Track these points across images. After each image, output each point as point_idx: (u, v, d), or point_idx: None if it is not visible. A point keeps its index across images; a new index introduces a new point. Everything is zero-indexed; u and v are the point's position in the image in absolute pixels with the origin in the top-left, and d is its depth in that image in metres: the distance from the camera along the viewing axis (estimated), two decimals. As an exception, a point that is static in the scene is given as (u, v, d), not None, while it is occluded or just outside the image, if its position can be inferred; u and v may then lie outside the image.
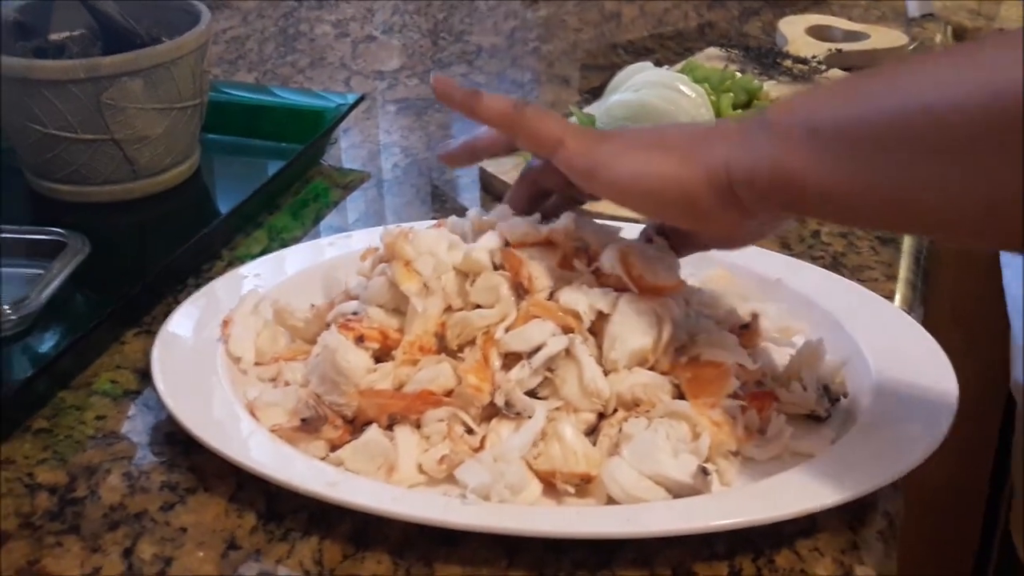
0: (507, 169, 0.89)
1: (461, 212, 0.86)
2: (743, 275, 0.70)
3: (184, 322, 0.67)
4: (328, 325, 0.64)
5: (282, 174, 0.87)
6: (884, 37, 1.12)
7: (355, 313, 0.64)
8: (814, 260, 0.78)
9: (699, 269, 0.68)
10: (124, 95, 0.79)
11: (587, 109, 0.94)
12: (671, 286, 0.60)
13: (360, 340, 0.61)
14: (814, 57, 1.04)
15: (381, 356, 0.62)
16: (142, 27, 0.86)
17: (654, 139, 0.58)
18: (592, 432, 0.58)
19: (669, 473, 0.54)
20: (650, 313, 0.58)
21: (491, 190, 0.89)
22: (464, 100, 0.62)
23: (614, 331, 0.58)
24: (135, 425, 0.64)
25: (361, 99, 0.96)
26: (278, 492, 0.57)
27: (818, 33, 1.13)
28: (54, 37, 0.87)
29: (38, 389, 0.65)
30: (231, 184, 0.90)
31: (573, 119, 0.93)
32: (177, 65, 0.81)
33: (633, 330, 0.58)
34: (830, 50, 1.07)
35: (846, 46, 1.09)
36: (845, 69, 1.04)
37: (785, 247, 0.80)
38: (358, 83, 1.09)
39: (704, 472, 0.54)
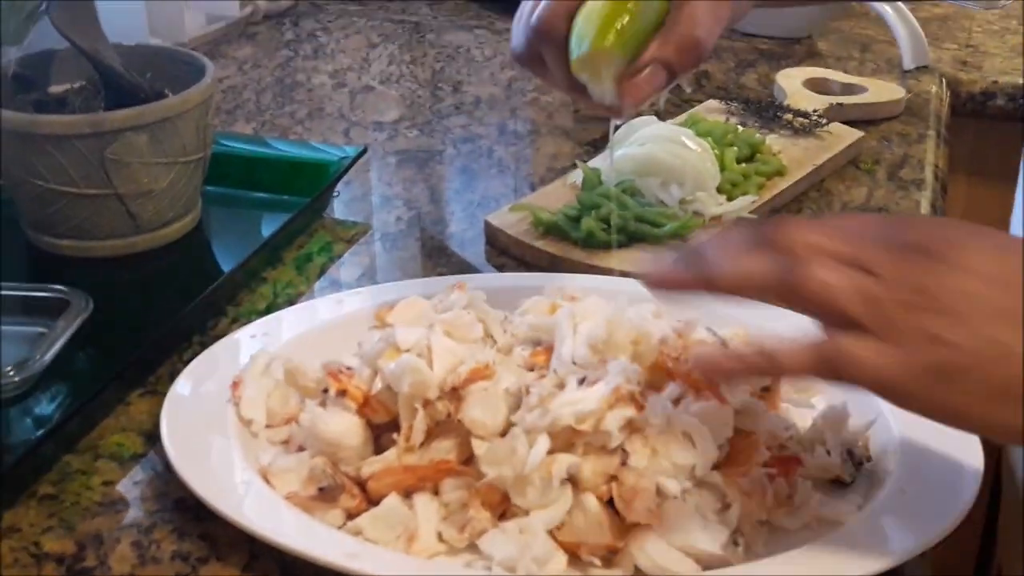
0: (512, 223, 0.88)
1: (465, 267, 0.86)
2: (761, 335, 0.69)
3: (192, 384, 0.66)
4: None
5: (286, 228, 0.85)
6: (881, 90, 1.13)
7: (349, 368, 0.63)
8: (826, 318, 0.77)
9: (717, 328, 0.67)
10: (128, 150, 0.78)
11: (591, 163, 0.94)
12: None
13: (342, 394, 0.60)
14: (815, 111, 1.05)
15: (369, 420, 0.61)
16: (144, 80, 0.85)
17: (1018, 383, 0.46)
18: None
19: (699, 544, 0.53)
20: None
21: (495, 244, 0.89)
22: (759, 367, 0.51)
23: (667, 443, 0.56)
24: (143, 490, 0.62)
25: (364, 152, 0.96)
26: (294, 562, 0.56)
27: (815, 86, 1.13)
28: (55, 89, 0.86)
29: (43, 453, 0.63)
30: (233, 238, 0.89)
31: (579, 173, 0.92)
32: (182, 119, 0.80)
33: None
34: (831, 104, 1.07)
35: (846, 99, 1.09)
36: (845, 122, 1.04)
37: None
38: (357, 134, 1.09)
39: (735, 543, 0.53)
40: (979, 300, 0.47)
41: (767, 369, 0.51)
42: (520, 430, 0.56)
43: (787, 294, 0.49)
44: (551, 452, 0.55)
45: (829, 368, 0.48)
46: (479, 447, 0.56)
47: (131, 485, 0.63)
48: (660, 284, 0.53)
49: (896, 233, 0.50)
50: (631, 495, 0.54)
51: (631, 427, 0.56)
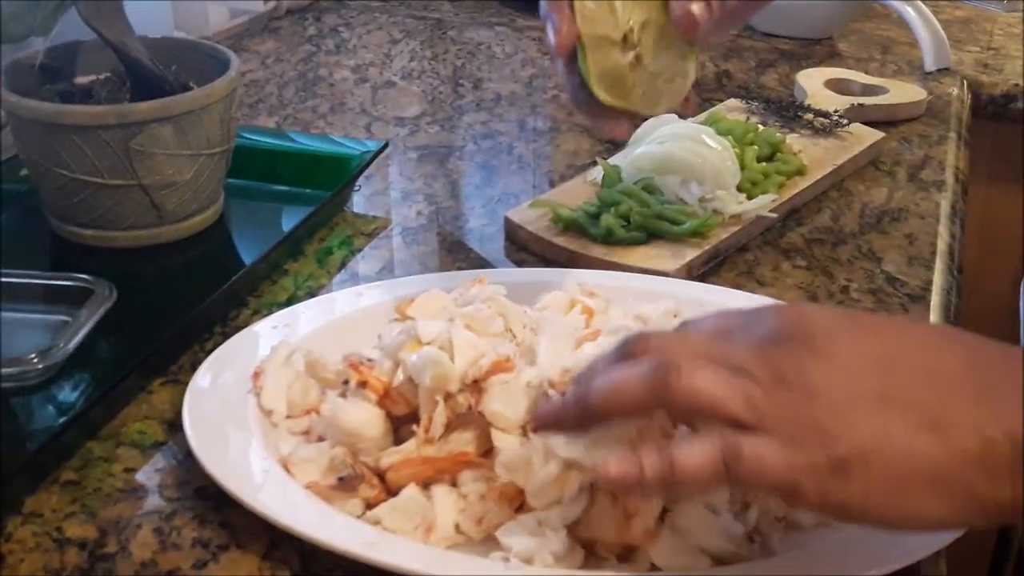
0: (532, 219, 0.88)
1: (484, 262, 0.87)
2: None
3: (213, 374, 0.67)
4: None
5: (307, 221, 0.86)
6: (902, 91, 1.13)
7: (370, 359, 0.63)
8: (844, 317, 0.77)
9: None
10: (153, 141, 0.79)
11: (611, 160, 0.94)
12: None
13: (363, 385, 0.60)
14: (836, 111, 1.05)
15: (389, 412, 0.61)
16: (170, 72, 0.85)
17: (913, 468, 0.45)
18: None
19: (715, 541, 0.53)
20: None
21: (515, 239, 0.89)
22: (659, 482, 0.47)
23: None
24: (164, 478, 0.63)
25: (385, 146, 0.96)
26: (313, 551, 0.56)
27: (836, 86, 1.13)
28: (81, 81, 0.87)
29: (66, 440, 0.64)
30: (255, 230, 0.89)
31: (599, 170, 0.93)
32: (207, 111, 0.81)
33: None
34: (852, 104, 1.07)
35: (867, 100, 1.09)
36: (866, 123, 1.04)
37: (814, 302, 0.80)
38: (379, 129, 1.09)
39: (751, 540, 0.53)
40: (859, 389, 0.46)
41: (667, 481, 0.47)
42: (540, 443, 0.56)
43: (664, 400, 0.48)
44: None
45: (729, 472, 0.46)
46: (499, 439, 0.57)
47: (152, 472, 0.63)
48: (545, 426, 0.53)
49: (759, 326, 0.49)
50: (633, 511, 0.54)
51: None
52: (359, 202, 0.95)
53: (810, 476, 0.45)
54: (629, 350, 0.50)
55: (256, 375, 0.65)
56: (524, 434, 0.58)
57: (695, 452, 0.46)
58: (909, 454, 0.45)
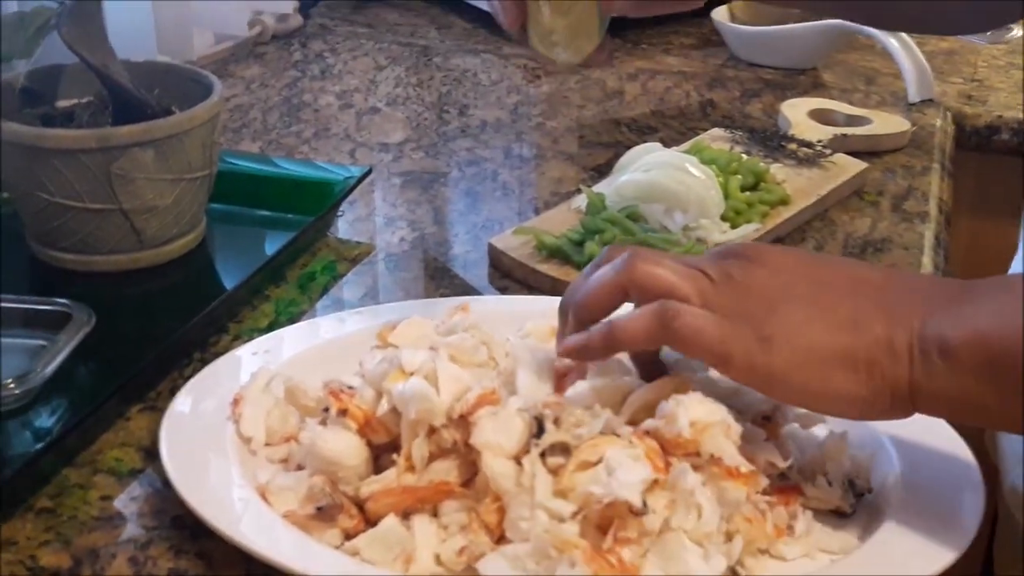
0: (515, 246, 0.88)
1: (468, 289, 0.86)
2: None
3: (192, 400, 0.66)
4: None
5: (289, 247, 0.86)
6: (886, 122, 1.13)
7: (351, 387, 0.62)
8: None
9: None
10: (135, 165, 0.78)
11: (596, 188, 0.94)
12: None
13: (343, 413, 0.60)
14: (819, 141, 1.05)
15: (369, 440, 0.60)
16: (152, 96, 0.85)
17: (830, 350, 0.55)
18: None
19: (698, 573, 0.52)
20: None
21: (499, 266, 0.89)
22: (603, 344, 0.58)
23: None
24: (140, 506, 0.62)
25: (369, 172, 0.96)
26: (291, 582, 0.55)
27: (820, 117, 1.13)
28: (62, 104, 0.86)
29: (42, 467, 0.63)
30: (236, 255, 0.89)
31: (583, 197, 0.93)
32: (189, 136, 0.80)
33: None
34: (835, 135, 1.08)
35: (850, 131, 1.10)
36: (850, 154, 1.05)
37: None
38: (363, 155, 1.09)
39: (734, 573, 0.52)
40: (791, 291, 0.56)
41: (612, 343, 0.57)
42: (542, 502, 0.55)
43: (662, 341, 0.57)
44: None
45: (664, 328, 0.55)
46: (489, 465, 0.56)
47: (129, 500, 0.62)
48: (577, 355, 0.60)
49: (723, 250, 0.60)
50: (621, 541, 0.53)
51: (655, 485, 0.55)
52: (343, 228, 0.95)
53: (739, 344, 0.55)
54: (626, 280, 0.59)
55: (235, 402, 0.65)
56: (517, 462, 0.57)
57: (634, 317, 0.57)
58: (828, 340, 0.55)
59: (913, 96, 1.23)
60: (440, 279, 0.88)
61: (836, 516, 0.59)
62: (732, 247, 0.60)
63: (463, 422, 0.57)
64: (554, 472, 0.57)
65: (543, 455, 0.57)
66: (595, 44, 0.74)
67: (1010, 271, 0.87)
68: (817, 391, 0.55)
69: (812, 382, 0.54)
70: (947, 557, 0.55)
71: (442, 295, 0.84)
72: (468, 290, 0.86)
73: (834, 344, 0.55)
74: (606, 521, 0.54)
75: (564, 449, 0.58)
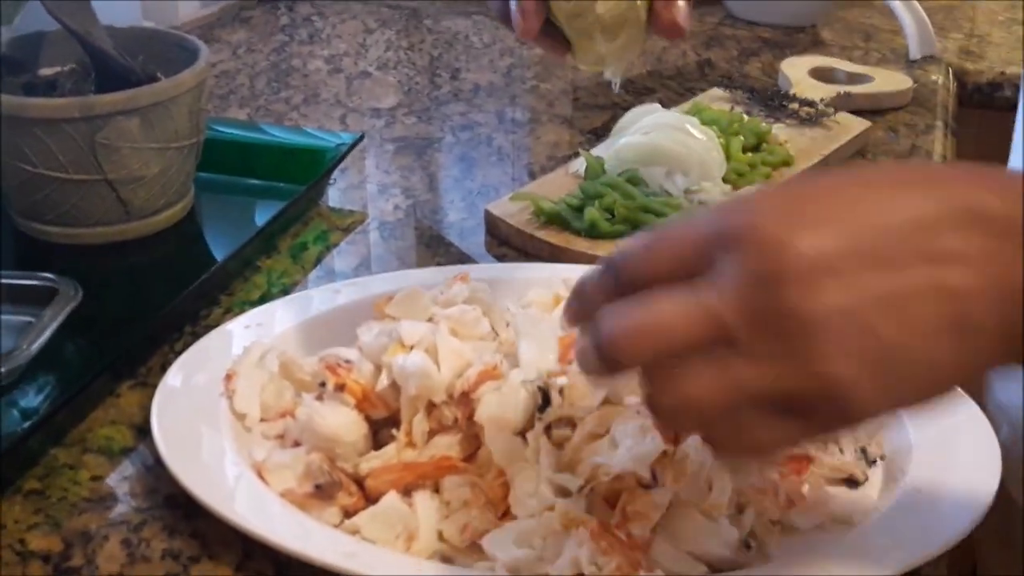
0: (512, 212, 0.86)
1: (465, 257, 0.84)
2: None
3: (184, 376, 0.64)
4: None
5: (281, 216, 0.83)
6: (888, 80, 1.11)
7: (348, 361, 0.60)
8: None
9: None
10: (119, 134, 0.76)
11: (593, 151, 0.92)
12: None
13: (340, 388, 0.58)
14: (821, 100, 1.03)
15: (368, 415, 0.59)
16: (137, 63, 0.82)
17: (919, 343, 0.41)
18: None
19: (709, 548, 0.51)
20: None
21: (495, 233, 0.86)
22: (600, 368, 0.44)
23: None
24: (133, 486, 0.60)
25: (361, 138, 0.93)
26: (289, 562, 0.54)
27: (821, 75, 1.11)
28: (44, 72, 0.84)
29: (30, 447, 0.61)
30: (227, 226, 0.87)
31: (581, 161, 0.90)
32: (175, 103, 0.78)
33: None
34: (838, 93, 1.05)
35: (852, 89, 1.08)
36: (852, 112, 1.02)
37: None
38: (354, 120, 1.06)
39: (747, 546, 0.51)
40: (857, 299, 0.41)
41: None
42: (547, 476, 0.54)
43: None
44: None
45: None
46: (492, 440, 0.54)
47: (120, 480, 0.61)
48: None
49: (726, 268, 0.42)
50: (631, 516, 0.51)
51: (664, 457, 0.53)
52: (335, 196, 0.92)
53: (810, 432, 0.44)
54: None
55: (228, 377, 0.63)
56: (521, 436, 0.55)
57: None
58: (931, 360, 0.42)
59: (914, 53, 1.21)
60: (436, 248, 0.86)
61: (850, 485, 0.58)
62: (751, 271, 0.41)
63: (465, 399, 0.55)
64: (559, 445, 0.55)
65: (548, 429, 0.55)
66: (638, 52, 0.69)
67: None
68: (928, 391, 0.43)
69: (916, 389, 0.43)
70: (964, 523, 0.53)
71: (438, 264, 0.82)
72: (464, 258, 0.84)
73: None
74: (614, 495, 0.53)
75: (570, 422, 0.56)
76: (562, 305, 0.64)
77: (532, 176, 0.95)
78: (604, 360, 0.43)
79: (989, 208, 0.42)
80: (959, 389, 0.44)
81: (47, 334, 0.66)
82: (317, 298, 0.73)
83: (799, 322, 0.40)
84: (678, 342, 0.42)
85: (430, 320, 0.61)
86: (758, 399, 0.41)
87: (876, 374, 0.41)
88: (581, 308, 0.46)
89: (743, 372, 0.41)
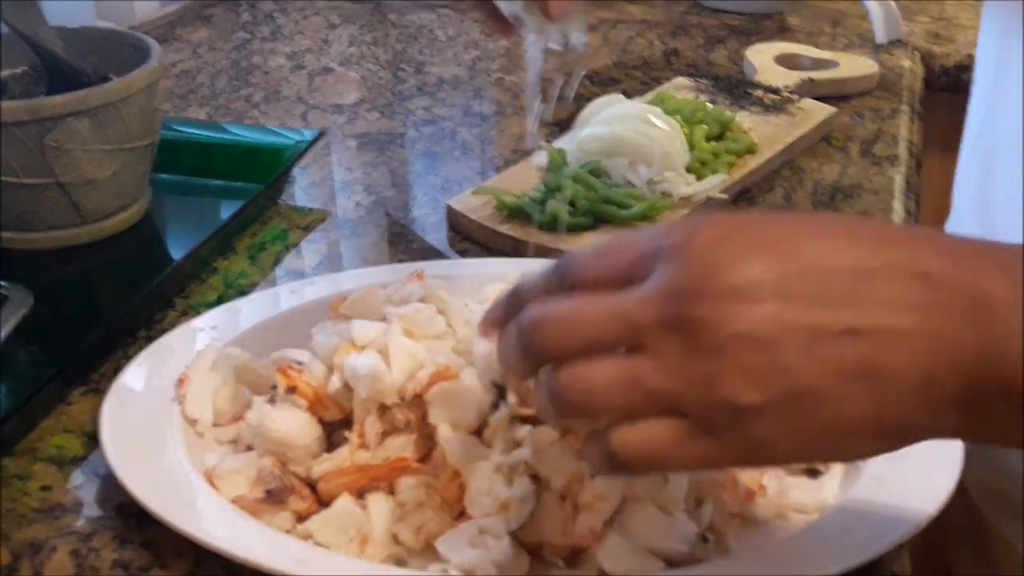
0: (475, 207, 0.85)
1: (428, 253, 0.83)
2: None
3: (135, 380, 0.63)
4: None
5: (238, 216, 0.82)
6: (853, 65, 1.10)
7: (299, 362, 0.59)
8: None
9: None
10: (70, 137, 0.75)
11: (556, 143, 0.91)
12: None
13: (292, 391, 0.57)
14: (786, 87, 1.02)
15: (321, 418, 0.58)
16: (88, 64, 0.81)
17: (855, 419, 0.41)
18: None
19: (666, 542, 0.50)
20: None
21: (458, 229, 0.85)
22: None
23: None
24: (83, 495, 0.59)
25: (321, 135, 0.92)
26: (241, 569, 0.52)
27: (786, 62, 1.11)
28: (-6, 75, 0.82)
29: (-23, 458, 0.60)
30: (183, 227, 0.86)
31: (544, 154, 0.89)
32: (126, 104, 0.76)
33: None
34: (802, 79, 1.05)
35: (817, 75, 1.07)
36: (817, 98, 1.02)
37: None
38: (315, 117, 1.05)
39: (704, 540, 0.50)
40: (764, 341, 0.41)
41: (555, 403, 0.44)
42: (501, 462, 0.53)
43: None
44: None
45: (604, 459, 0.43)
46: (446, 439, 0.53)
47: (71, 490, 0.59)
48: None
49: (660, 276, 0.42)
50: (582, 506, 0.51)
51: None
52: (296, 194, 0.91)
53: (725, 459, 0.43)
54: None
55: (180, 381, 0.62)
56: (477, 433, 0.55)
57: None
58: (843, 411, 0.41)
59: (880, 37, 1.20)
60: (398, 244, 0.85)
61: (810, 475, 0.57)
62: (679, 285, 0.41)
63: (417, 400, 0.54)
64: (516, 444, 0.54)
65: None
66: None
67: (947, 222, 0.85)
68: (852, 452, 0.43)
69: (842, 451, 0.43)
70: (925, 514, 0.52)
71: (400, 261, 0.81)
72: (428, 255, 0.83)
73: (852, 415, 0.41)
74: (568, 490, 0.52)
75: (525, 420, 0.55)
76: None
77: (497, 170, 0.94)
78: (522, 345, 0.44)
79: (934, 269, 0.41)
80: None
81: (-3, 342, 0.65)
82: (273, 298, 0.71)
83: (706, 337, 0.40)
84: (589, 336, 0.42)
85: (383, 320, 0.60)
86: (659, 405, 0.41)
87: (780, 407, 0.40)
88: (510, 309, 0.47)
89: (644, 370, 0.41)
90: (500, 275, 0.69)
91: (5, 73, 0.82)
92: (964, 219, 0.82)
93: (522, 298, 0.47)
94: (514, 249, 0.81)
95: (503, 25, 0.71)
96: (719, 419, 0.41)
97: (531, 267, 0.70)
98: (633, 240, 0.45)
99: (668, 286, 0.41)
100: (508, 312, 0.47)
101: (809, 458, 0.43)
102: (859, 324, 0.40)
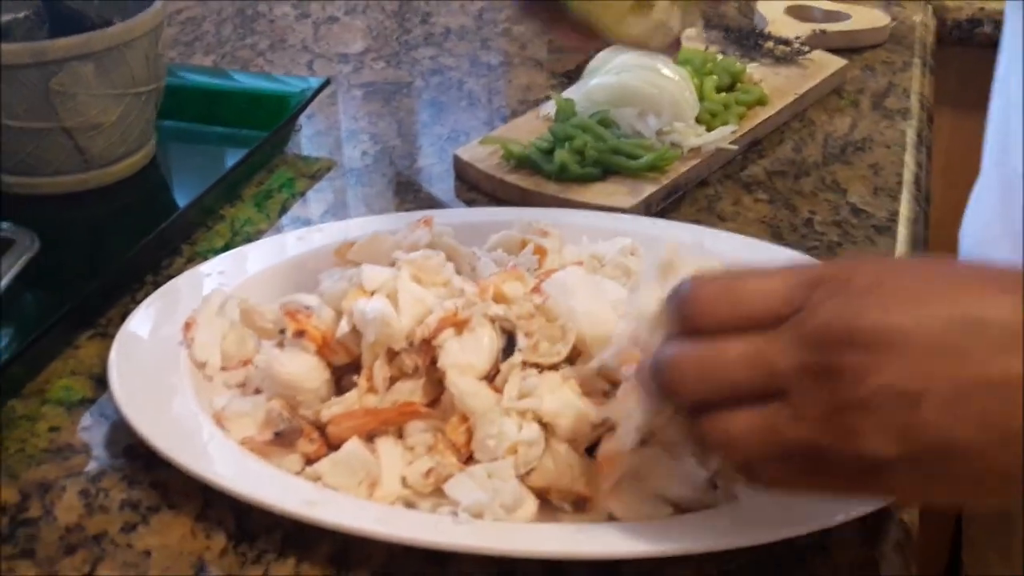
0: (482, 156, 0.84)
1: (434, 202, 0.83)
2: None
3: (143, 324, 0.62)
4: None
5: (244, 163, 0.82)
6: (865, 17, 1.09)
7: (308, 307, 0.59)
8: (808, 251, 0.74)
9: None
10: (74, 81, 0.74)
11: (565, 93, 0.90)
12: None
13: (300, 334, 0.57)
14: (797, 38, 1.01)
15: (329, 362, 0.57)
16: (91, 8, 0.80)
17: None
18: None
19: (675, 488, 0.50)
20: None
21: (465, 178, 0.85)
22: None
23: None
24: (92, 436, 0.59)
25: (327, 83, 0.91)
26: (249, 511, 0.53)
27: (798, 13, 1.09)
28: (-3, 19, 0.82)
29: (-15, 399, 0.60)
30: (189, 174, 0.85)
31: (552, 104, 0.89)
32: (131, 48, 0.76)
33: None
34: (813, 31, 1.04)
35: (829, 27, 1.06)
36: (828, 51, 1.01)
37: (777, 236, 0.77)
38: (321, 66, 1.04)
39: (713, 486, 0.50)
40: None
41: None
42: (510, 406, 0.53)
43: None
44: None
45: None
46: (455, 384, 0.53)
47: (79, 431, 0.59)
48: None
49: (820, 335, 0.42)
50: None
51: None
52: (302, 143, 0.91)
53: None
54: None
55: (187, 325, 0.61)
56: (488, 379, 0.54)
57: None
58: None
59: (893, -10, 1.19)
60: (404, 194, 0.84)
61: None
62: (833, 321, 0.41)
63: (425, 346, 0.54)
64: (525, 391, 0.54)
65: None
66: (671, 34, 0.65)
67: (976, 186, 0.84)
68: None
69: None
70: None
71: (407, 210, 0.81)
72: (434, 204, 0.82)
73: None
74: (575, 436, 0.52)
75: (536, 366, 0.55)
76: (530, 248, 0.63)
77: (504, 120, 0.93)
78: (658, 381, 0.44)
79: None
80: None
81: (2, 284, 0.65)
82: (281, 244, 0.71)
83: (850, 389, 0.40)
84: (730, 382, 0.42)
85: (393, 265, 0.60)
86: (795, 449, 0.42)
87: (917, 461, 0.40)
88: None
89: (783, 418, 0.41)
90: (507, 224, 0.68)
91: (7, 17, 0.82)
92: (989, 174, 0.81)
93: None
94: (522, 198, 0.80)
95: (575, 36, 0.64)
96: (852, 468, 0.41)
97: (538, 216, 0.71)
98: (764, 283, 0.44)
99: (813, 333, 0.41)
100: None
101: (935, 501, 0.44)
102: (999, 378, 0.40)
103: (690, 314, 0.44)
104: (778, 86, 0.94)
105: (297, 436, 0.54)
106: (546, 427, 0.53)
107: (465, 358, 0.55)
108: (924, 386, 0.40)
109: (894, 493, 0.42)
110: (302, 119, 0.91)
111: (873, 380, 0.40)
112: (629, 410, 0.49)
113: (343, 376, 0.58)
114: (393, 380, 0.56)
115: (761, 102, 0.91)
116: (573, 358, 0.55)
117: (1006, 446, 0.40)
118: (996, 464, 0.40)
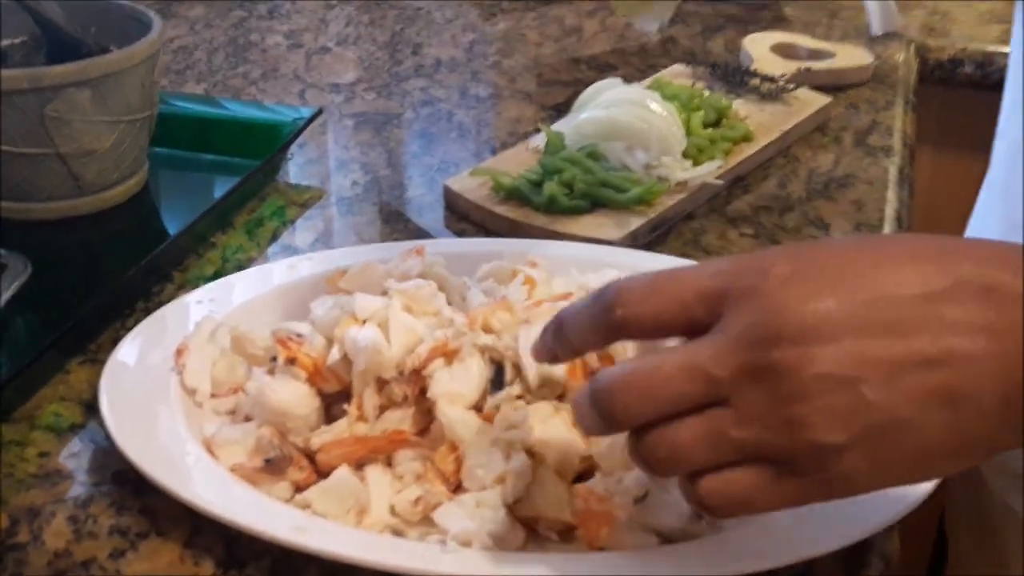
0: (472, 188, 0.85)
1: (424, 232, 0.84)
2: None
3: (134, 351, 0.63)
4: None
5: (236, 191, 0.82)
6: (849, 55, 1.11)
7: (299, 334, 0.60)
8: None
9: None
10: (70, 107, 0.75)
11: (554, 126, 0.92)
12: None
13: (291, 362, 0.57)
14: (782, 75, 1.03)
15: (320, 390, 0.58)
16: (88, 35, 0.81)
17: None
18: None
19: (662, 518, 0.51)
20: None
21: (455, 209, 0.86)
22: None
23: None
24: (81, 462, 0.59)
25: (319, 113, 0.92)
26: (238, 537, 0.53)
27: (783, 51, 1.11)
28: (-7, 44, 0.82)
29: (-25, 424, 0.60)
30: (181, 201, 0.86)
31: (541, 137, 0.90)
32: (127, 75, 0.76)
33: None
34: (798, 69, 1.05)
35: (813, 65, 1.07)
36: (813, 88, 1.02)
37: (774, 241, 0.78)
38: (313, 96, 1.05)
39: (699, 516, 0.51)
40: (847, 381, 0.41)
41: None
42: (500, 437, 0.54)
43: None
44: None
45: (691, 498, 0.44)
46: (445, 414, 0.54)
47: (68, 457, 0.60)
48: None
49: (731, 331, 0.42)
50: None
51: None
52: (293, 172, 0.91)
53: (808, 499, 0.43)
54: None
55: (179, 352, 0.62)
56: (477, 409, 0.55)
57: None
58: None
59: (876, 29, 1.21)
60: (394, 223, 0.85)
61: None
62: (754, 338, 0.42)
63: (415, 376, 0.55)
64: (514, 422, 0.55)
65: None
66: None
67: (974, 211, 0.85)
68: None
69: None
70: (920, 492, 0.53)
71: (396, 240, 0.82)
72: (423, 234, 0.83)
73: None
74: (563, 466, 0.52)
75: (525, 397, 0.56)
76: (520, 279, 0.64)
77: (493, 152, 0.94)
78: (599, 413, 0.44)
79: (1001, 283, 0.41)
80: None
81: (-6, 309, 0.65)
82: (271, 273, 0.72)
83: (788, 384, 0.41)
84: (670, 397, 0.42)
85: (384, 294, 0.61)
86: (745, 453, 0.42)
87: (865, 442, 0.41)
88: (560, 344, 0.47)
89: (727, 422, 0.42)
90: (497, 254, 0.69)
91: (5, 42, 0.82)
92: (989, 211, 0.82)
93: (565, 327, 0.46)
94: (510, 230, 0.81)
95: None
96: (805, 461, 0.41)
97: (527, 247, 0.72)
98: (687, 277, 0.44)
99: (743, 335, 0.41)
100: (556, 343, 0.47)
101: (890, 484, 0.44)
102: (933, 352, 0.41)
103: (603, 307, 0.44)
104: (763, 122, 0.96)
105: (287, 464, 0.55)
106: (535, 457, 0.53)
107: (455, 387, 0.55)
108: (859, 369, 0.40)
109: (852, 480, 0.42)
110: (293, 148, 0.92)
111: (808, 371, 0.41)
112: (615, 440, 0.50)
113: (333, 404, 0.58)
114: (383, 409, 0.56)
115: (747, 138, 0.93)
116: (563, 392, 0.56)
117: (953, 418, 0.41)
118: (948, 436, 0.41)
